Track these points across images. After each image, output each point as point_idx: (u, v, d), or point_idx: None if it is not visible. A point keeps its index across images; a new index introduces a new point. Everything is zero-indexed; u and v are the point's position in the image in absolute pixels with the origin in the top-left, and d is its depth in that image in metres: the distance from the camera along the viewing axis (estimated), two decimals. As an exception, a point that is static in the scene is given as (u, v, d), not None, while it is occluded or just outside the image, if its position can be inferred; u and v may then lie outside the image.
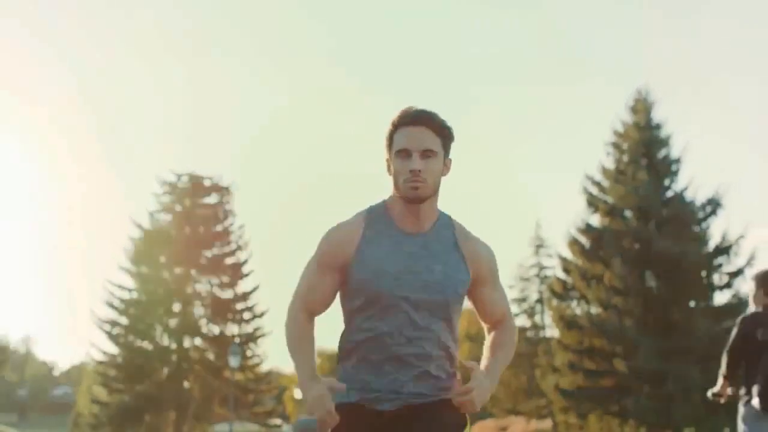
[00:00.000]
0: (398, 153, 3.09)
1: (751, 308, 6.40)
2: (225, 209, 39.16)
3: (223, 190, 39.20)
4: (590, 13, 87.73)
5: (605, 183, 30.58)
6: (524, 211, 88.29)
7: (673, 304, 28.17)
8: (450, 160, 3.19)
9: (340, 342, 3.23)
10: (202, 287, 38.55)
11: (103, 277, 47.52)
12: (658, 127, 30.21)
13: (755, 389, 6.13)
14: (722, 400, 6.44)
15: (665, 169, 29.91)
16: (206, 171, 39.83)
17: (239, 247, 38.90)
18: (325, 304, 3.23)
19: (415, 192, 3.07)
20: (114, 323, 37.52)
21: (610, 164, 30.78)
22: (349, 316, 3.20)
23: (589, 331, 28.83)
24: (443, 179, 3.19)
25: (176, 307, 38.17)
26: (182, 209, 38.82)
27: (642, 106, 30.58)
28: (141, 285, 38.19)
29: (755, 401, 6.11)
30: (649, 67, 78.81)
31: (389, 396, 3.12)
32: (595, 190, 30.76)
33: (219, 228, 38.93)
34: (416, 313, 3.10)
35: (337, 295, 3.26)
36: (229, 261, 38.73)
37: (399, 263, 3.11)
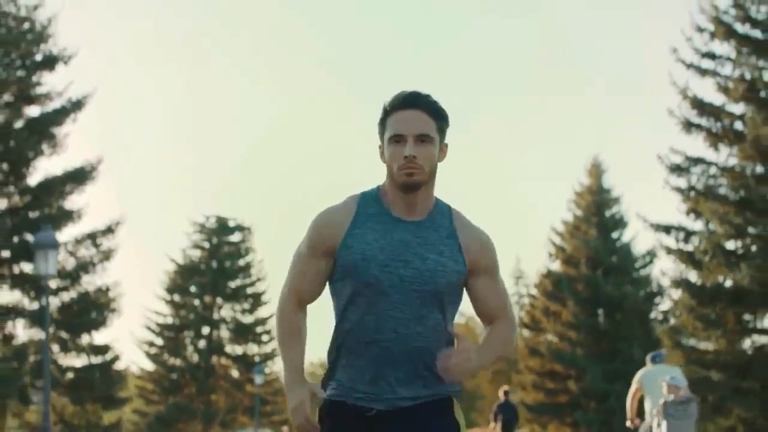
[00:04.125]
0: (391, 138, 3.00)
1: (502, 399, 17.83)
2: (247, 246, 45.85)
3: (245, 230, 46.04)
4: (591, 19, 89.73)
5: (566, 235, 38.81)
6: (524, 216, 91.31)
7: (616, 336, 36.24)
8: (446, 145, 3.09)
9: (332, 336, 3.14)
10: (227, 313, 44.90)
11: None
12: (608, 191, 38.40)
13: (499, 425, 17.09)
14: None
15: (613, 224, 38.11)
16: (230, 213, 47.58)
17: (259, 279, 45.61)
18: (315, 292, 3.12)
19: (410, 179, 2.97)
20: (151, 344, 43.71)
21: (570, 218, 39.02)
22: (336, 306, 3.11)
23: (549, 357, 37.03)
24: (439, 165, 3.07)
25: (205, 330, 44.33)
26: (210, 246, 45.34)
27: (595, 172, 38.76)
28: (174, 311, 44.44)
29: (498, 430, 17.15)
30: (649, 70, 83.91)
31: (377, 395, 3.01)
32: (558, 240, 38.98)
33: (242, 262, 45.44)
34: (406, 304, 2.98)
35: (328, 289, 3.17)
36: (250, 291, 45.23)
37: (389, 250, 3.00)
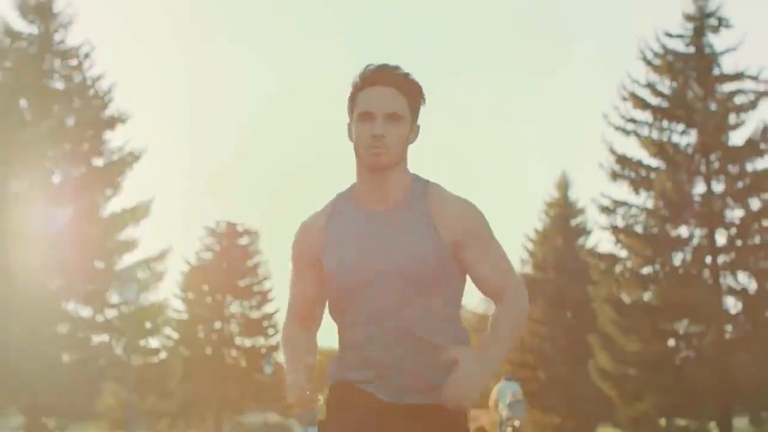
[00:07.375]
0: (360, 116, 2.94)
1: None
2: (254, 249, 50.97)
3: (252, 234, 51.27)
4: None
5: (536, 242, 45.69)
6: (515, 196, 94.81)
7: (580, 332, 43.09)
8: (418, 126, 3.01)
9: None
10: (236, 309, 49.55)
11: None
12: (573, 203, 45.23)
13: None
14: None
15: (579, 233, 45.03)
16: (239, 219, 53.08)
17: (265, 278, 50.63)
18: (316, 306, 3.12)
19: (376, 159, 2.92)
20: (168, 337, 47.55)
21: (540, 227, 45.89)
22: (331, 312, 3.11)
23: (522, 351, 43.93)
24: (411, 147, 3.02)
25: (216, 325, 49.04)
26: (220, 249, 50.36)
27: (563, 184, 45.55)
28: (189, 308, 49.40)
29: None
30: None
31: (385, 387, 2.99)
32: (530, 246, 45.88)
33: (249, 263, 50.32)
34: (391, 297, 2.94)
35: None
36: (257, 289, 49.92)
37: (360, 249, 2.97)
